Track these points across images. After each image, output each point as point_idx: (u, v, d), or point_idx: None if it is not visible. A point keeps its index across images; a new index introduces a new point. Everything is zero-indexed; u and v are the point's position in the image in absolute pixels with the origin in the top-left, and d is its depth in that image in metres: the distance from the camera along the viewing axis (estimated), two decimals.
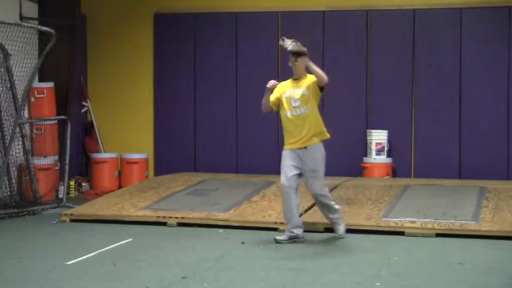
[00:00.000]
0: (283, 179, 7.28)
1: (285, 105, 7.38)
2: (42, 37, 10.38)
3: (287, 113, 7.36)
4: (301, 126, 7.29)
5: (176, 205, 9.03)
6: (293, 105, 7.33)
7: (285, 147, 7.40)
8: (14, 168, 10.23)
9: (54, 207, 9.84)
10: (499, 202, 8.75)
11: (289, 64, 7.48)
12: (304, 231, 7.80)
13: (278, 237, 7.38)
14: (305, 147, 7.28)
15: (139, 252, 6.89)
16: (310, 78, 7.38)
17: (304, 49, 7.34)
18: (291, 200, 7.27)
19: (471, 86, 11.38)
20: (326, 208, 7.55)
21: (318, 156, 7.31)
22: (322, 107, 11.75)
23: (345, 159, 11.62)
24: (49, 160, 10.75)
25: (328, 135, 7.46)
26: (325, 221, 8.13)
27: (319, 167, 7.32)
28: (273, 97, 7.48)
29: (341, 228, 7.62)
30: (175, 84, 12.34)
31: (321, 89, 7.33)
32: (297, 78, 7.45)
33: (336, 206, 7.60)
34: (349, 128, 11.71)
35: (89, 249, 6.94)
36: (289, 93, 7.38)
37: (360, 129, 11.66)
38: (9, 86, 10.05)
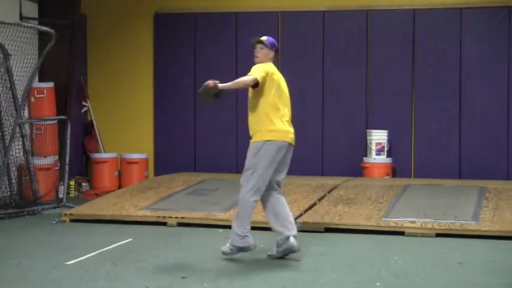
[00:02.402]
0: None
1: None
2: (42, 37, 10.38)
3: None
4: (249, 118, 6.69)
5: (176, 205, 9.02)
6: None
7: None
8: (14, 168, 10.23)
9: (54, 207, 9.84)
10: (499, 202, 8.75)
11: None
12: (304, 231, 7.82)
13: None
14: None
15: (139, 252, 6.88)
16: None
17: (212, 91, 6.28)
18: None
19: (471, 86, 11.39)
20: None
21: (250, 154, 6.54)
22: (322, 107, 11.87)
23: (345, 159, 11.64)
24: (49, 160, 10.76)
25: (267, 137, 6.43)
26: (325, 220, 8.14)
27: (249, 164, 6.51)
28: None
29: (226, 246, 6.55)
30: (175, 84, 12.34)
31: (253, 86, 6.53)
32: None
33: (246, 226, 6.42)
34: (349, 128, 11.73)
35: (89, 249, 6.94)
36: None
37: (360, 129, 11.66)
38: (9, 86, 10.06)
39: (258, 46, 6.74)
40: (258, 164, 6.44)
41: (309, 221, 8.09)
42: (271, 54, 6.74)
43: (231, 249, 6.54)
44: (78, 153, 12.31)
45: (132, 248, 7.12)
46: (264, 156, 6.43)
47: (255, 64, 6.67)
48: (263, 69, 6.54)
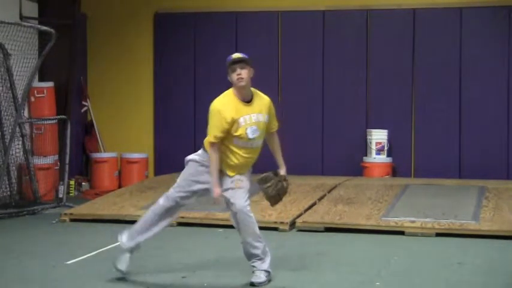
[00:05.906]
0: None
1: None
2: (42, 37, 10.38)
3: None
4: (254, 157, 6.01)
5: None
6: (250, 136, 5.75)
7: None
8: (14, 168, 10.24)
9: (54, 207, 9.84)
10: (499, 202, 8.75)
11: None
12: (304, 230, 7.82)
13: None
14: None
15: (140, 252, 6.87)
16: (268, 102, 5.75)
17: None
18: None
19: (471, 86, 11.38)
20: None
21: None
22: (322, 107, 11.87)
23: (345, 159, 11.63)
24: (49, 160, 10.75)
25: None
26: (325, 220, 8.14)
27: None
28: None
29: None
30: (175, 84, 12.34)
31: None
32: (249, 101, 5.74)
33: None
34: (349, 128, 11.72)
35: (89, 249, 6.94)
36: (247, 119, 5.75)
37: (360, 129, 11.66)
38: (9, 85, 10.06)
39: (238, 66, 5.47)
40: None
41: (309, 221, 8.09)
42: (252, 72, 5.54)
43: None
44: (78, 153, 12.30)
45: None
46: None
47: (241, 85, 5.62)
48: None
